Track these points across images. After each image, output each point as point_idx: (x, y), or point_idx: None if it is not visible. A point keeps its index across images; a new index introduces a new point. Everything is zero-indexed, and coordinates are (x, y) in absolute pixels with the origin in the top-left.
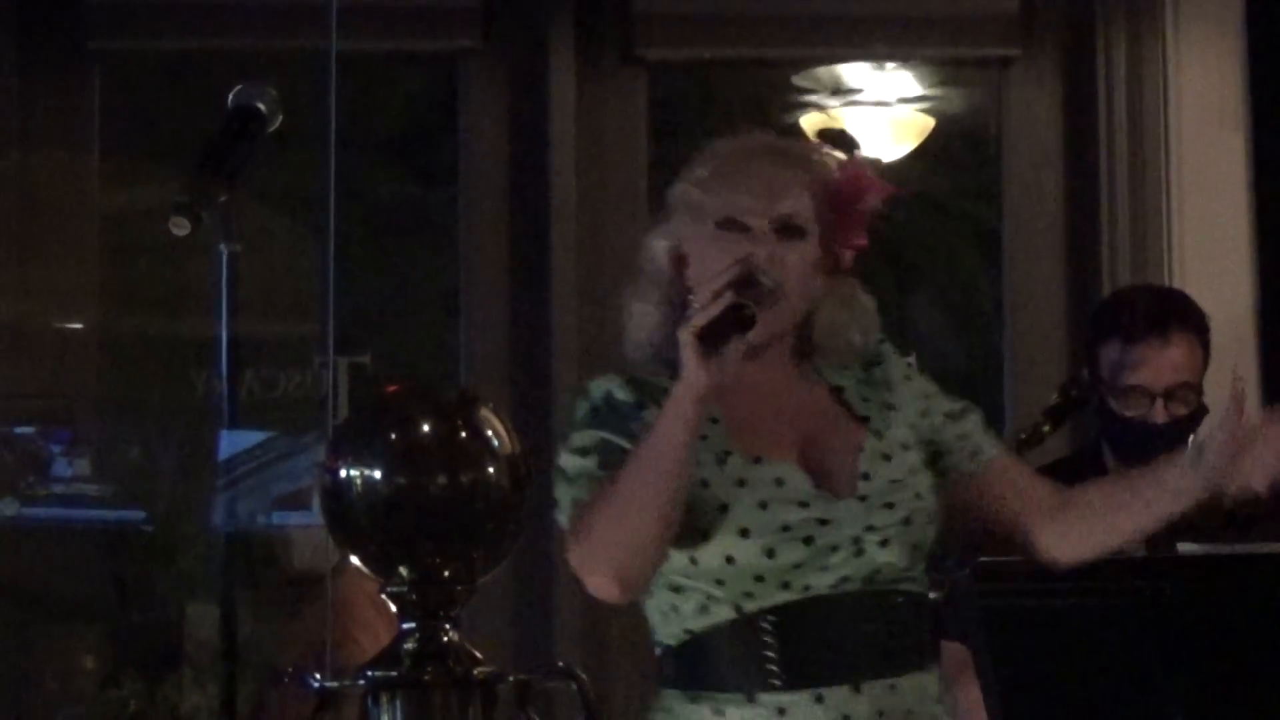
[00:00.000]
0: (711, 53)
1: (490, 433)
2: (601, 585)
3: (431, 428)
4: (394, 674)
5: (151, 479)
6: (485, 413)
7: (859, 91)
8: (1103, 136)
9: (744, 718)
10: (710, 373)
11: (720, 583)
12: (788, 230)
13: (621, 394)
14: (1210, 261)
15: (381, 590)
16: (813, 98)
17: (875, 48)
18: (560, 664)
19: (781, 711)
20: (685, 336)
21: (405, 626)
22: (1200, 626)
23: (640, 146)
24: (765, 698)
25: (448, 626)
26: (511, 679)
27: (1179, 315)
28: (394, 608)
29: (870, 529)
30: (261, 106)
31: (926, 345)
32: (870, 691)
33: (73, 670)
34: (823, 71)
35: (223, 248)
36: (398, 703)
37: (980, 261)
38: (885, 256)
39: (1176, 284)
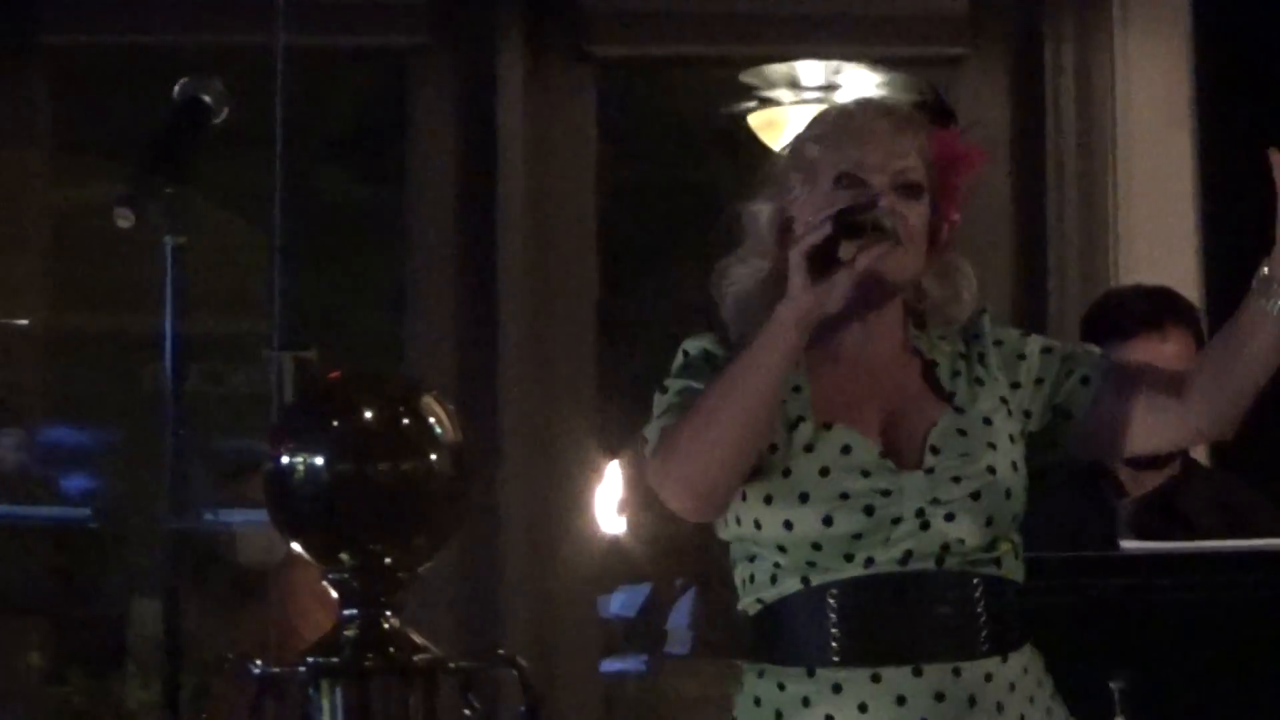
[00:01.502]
0: (661, 50)
1: (433, 420)
2: (677, 496)
3: (375, 414)
4: (334, 661)
5: (97, 475)
6: (428, 400)
7: (808, 89)
8: (1051, 135)
9: (802, 692)
10: (816, 295)
11: (783, 549)
12: (906, 189)
13: (715, 349)
14: (1157, 258)
15: (323, 577)
16: (761, 95)
17: (824, 45)
18: (501, 651)
19: (837, 688)
20: (795, 257)
21: (346, 613)
22: (1143, 623)
23: (589, 143)
24: (823, 673)
25: (389, 614)
26: (453, 666)
27: (1173, 311)
28: (335, 595)
29: (935, 502)
30: (207, 99)
31: None
32: (932, 675)
33: (17, 666)
34: (771, 69)
35: (168, 240)
36: (338, 690)
37: None
38: None
39: (1124, 278)
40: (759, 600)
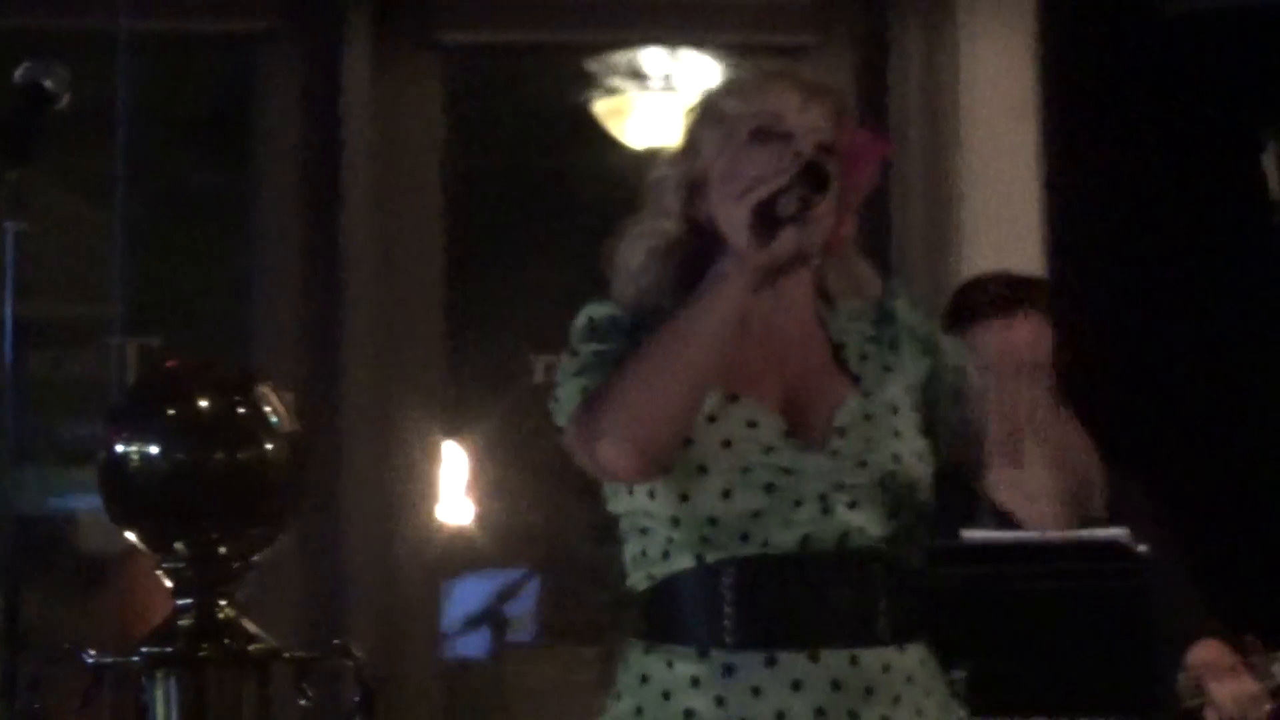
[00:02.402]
0: (508, 36)
1: (269, 409)
2: (622, 454)
3: (210, 403)
4: (169, 650)
5: None
6: (264, 390)
7: (654, 77)
8: (896, 124)
9: (693, 673)
10: (769, 250)
11: (676, 522)
12: (821, 148)
13: (621, 315)
14: (1001, 250)
15: (157, 567)
16: (607, 83)
17: (671, 33)
18: (337, 641)
19: (729, 670)
20: (742, 211)
21: (181, 603)
22: (986, 612)
23: (435, 130)
24: (716, 654)
25: (224, 603)
26: (287, 656)
27: (1027, 296)
28: (170, 584)
29: (839, 487)
30: (49, 84)
31: None
32: (829, 661)
33: None
34: (618, 56)
35: (9, 226)
36: (173, 679)
37: None
38: None
39: (967, 270)
40: (649, 576)
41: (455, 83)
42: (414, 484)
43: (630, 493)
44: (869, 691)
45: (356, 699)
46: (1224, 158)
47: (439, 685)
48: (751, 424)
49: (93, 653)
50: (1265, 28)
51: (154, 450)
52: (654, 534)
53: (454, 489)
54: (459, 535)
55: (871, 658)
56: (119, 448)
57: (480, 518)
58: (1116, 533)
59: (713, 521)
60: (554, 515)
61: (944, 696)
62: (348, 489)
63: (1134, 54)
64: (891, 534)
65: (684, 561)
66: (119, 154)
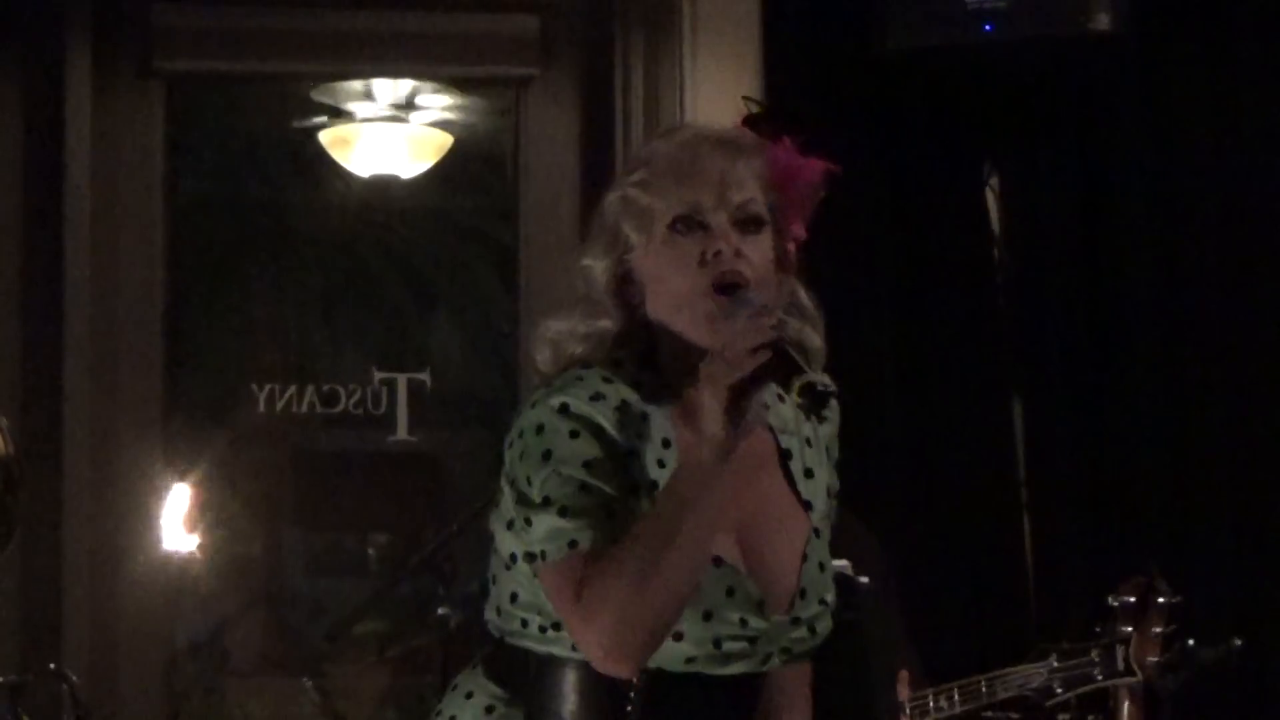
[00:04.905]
0: (230, 66)
1: None
2: (620, 666)
3: None
4: None
5: None
6: None
7: (379, 107)
8: (619, 157)
9: None
10: (740, 434)
11: None
12: (747, 223)
13: (580, 406)
14: None
15: None
16: (332, 113)
17: (394, 64)
18: (51, 666)
19: None
20: (718, 394)
21: None
22: None
23: (156, 159)
24: None
25: None
26: (1, 680)
27: None
28: None
29: (785, 650)
30: None
31: (443, 365)
32: None
33: None
34: (341, 86)
35: None
36: None
37: (497, 281)
38: (402, 275)
39: None
40: (554, 651)
41: (177, 112)
42: (134, 513)
43: None
44: None
45: None
46: (947, 193)
47: (160, 714)
48: (730, 592)
49: None
50: (986, 65)
51: None
52: None
53: (175, 518)
54: (180, 564)
55: None
56: None
57: (201, 547)
58: (839, 564)
59: (691, 660)
60: (273, 547)
61: None
62: (68, 516)
63: (857, 89)
64: None
65: None
66: None
